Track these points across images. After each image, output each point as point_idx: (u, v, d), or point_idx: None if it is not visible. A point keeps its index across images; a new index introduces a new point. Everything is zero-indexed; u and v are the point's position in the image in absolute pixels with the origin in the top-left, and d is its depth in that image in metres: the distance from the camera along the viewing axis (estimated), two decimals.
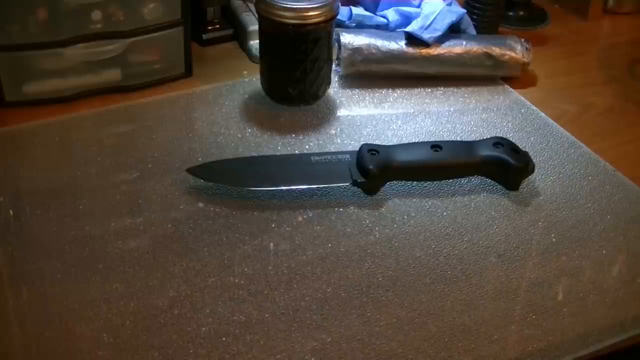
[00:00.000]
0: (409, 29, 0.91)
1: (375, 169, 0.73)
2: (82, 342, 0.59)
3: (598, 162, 0.81)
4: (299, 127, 0.85)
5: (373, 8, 0.99)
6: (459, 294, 0.65)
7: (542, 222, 0.73)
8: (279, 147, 0.81)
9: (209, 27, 0.99)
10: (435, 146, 0.76)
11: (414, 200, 0.75)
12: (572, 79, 0.97)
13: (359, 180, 0.74)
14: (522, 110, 0.89)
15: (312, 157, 0.77)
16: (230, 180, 0.75)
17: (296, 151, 0.81)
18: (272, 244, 0.69)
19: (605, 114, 0.91)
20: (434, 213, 0.73)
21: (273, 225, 0.71)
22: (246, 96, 0.90)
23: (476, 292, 0.65)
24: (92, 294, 0.63)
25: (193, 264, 0.66)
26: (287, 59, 0.84)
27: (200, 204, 0.73)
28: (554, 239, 0.71)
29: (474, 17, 0.99)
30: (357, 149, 0.76)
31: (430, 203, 0.75)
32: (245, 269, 0.66)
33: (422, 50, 0.91)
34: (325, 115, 0.87)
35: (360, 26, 0.97)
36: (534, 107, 0.90)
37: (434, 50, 0.91)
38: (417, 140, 0.83)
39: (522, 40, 0.94)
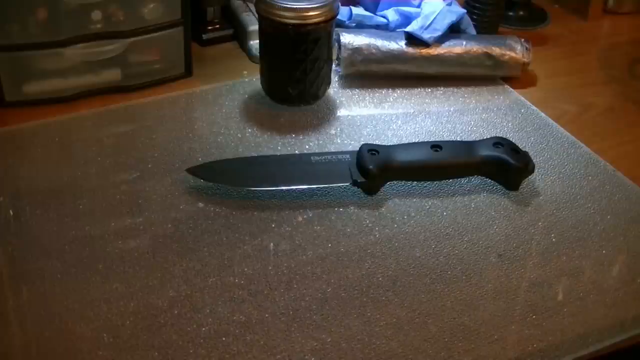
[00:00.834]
0: (409, 29, 0.91)
1: (375, 169, 0.73)
2: (82, 342, 0.59)
3: (598, 162, 0.81)
4: (299, 127, 0.85)
5: (373, 8, 0.99)
6: (459, 294, 0.65)
7: (542, 222, 0.73)
8: (279, 147, 0.81)
9: (209, 27, 0.99)
10: (435, 146, 0.76)
11: (414, 200, 0.75)
12: (572, 79, 0.97)
13: (359, 180, 0.74)
14: (522, 110, 0.89)
15: (312, 157, 0.77)
16: (230, 180, 0.75)
17: (296, 151, 0.81)
18: (272, 244, 0.69)
19: (605, 114, 0.91)
20: (434, 213, 0.73)
21: (273, 225, 0.71)
22: (246, 96, 0.90)
23: (476, 292, 0.65)
24: (92, 294, 0.63)
25: (193, 264, 0.66)
26: (287, 59, 0.84)
27: (200, 204, 0.73)
28: (554, 239, 0.71)
29: (474, 17, 0.99)
30: (357, 149, 0.76)
31: (430, 203, 0.75)
32: (245, 269, 0.66)
33: (422, 50, 0.91)
34: (325, 115, 0.87)
35: (360, 26, 0.97)
36: (534, 107, 0.90)
37: (434, 50, 0.91)
38: (417, 140, 0.83)
39: (522, 40, 0.94)
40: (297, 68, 0.84)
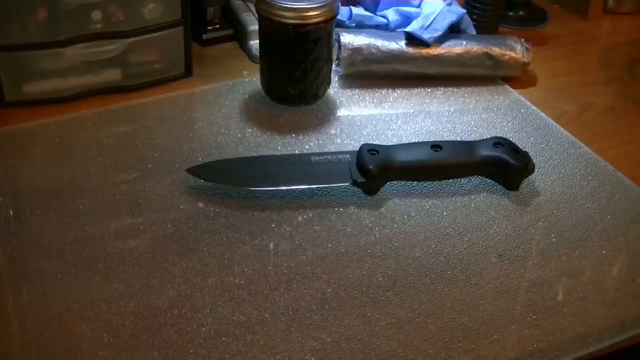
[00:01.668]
0: (409, 29, 0.91)
1: (375, 169, 0.73)
2: (82, 342, 0.59)
3: (598, 162, 0.81)
4: (299, 127, 0.85)
5: (373, 8, 0.99)
6: (459, 294, 0.65)
7: (542, 222, 0.73)
8: (279, 147, 0.81)
9: (209, 27, 0.99)
10: (435, 146, 0.76)
11: (414, 200, 0.75)
12: (572, 79, 0.97)
13: (359, 180, 0.74)
14: (522, 110, 0.89)
15: (312, 157, 0.77)
16: (230, 180, 0.75)
17: (296, 151, 0.81)
18: (272, 244, 0.69)
19: (605, 114, 0.91)
20: (434, 213, 0.73)
21: (273, 225, 0.71)
22: (246, 96, 0.90)
23: (476, 292, 0.65)
24: (92, 294, 0.63)
25: (193, 264, 0.66)
26: (287, 59, 0.84)
27: (200, 204, 0.73)
28: (554, 239, 0.71)
29: (474, 17, 0.99)
30: (357, 149, 0.76)
31: (430, 203, 0.75)
32: (245, 269, 0.66)
33: (422, 50, 0.91)
34: (325, 115, 0.87)
35: (360, 26, 0.97)
36: (534, 107, 0.90)
37: (434, 50, 0.91)
38: (417, 140, 0.83)
39: (522, 40, 0.94)
40: (297, 68, 0.84)
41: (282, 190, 0.74)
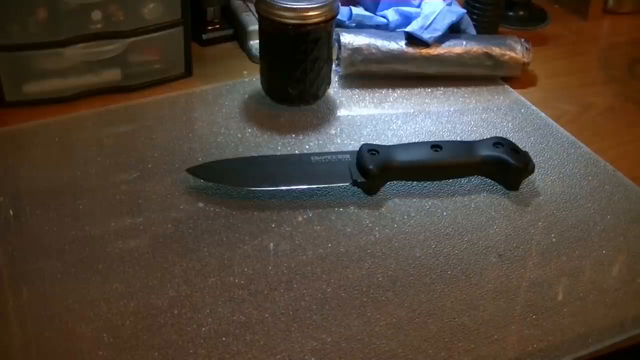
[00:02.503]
0: (409, 29, 0.91)
1: (375, 169, 0.73)
2: (82, 342, 0.59)
3: (598, 162, 0.81)
4: (299, 127, 0.85)
5: (373, 8, 0.99)
6: (459, 294, 0.65)
7: (542, 222, 0.73)
8: (279, 147, 0.81)
9: (209, 27, 0.99)
10: (435, 146, 0.76)
11: (414, 200, 0.75)
12: (572, 79, 0.97)
13: (359, 180, 0.74)
14: (522, 110, 0.89)
15: (312, 157, 0.77)
16: (230, 180, 0.75)
17: (296, 151, 0.81)
18: (272, 244, 0.69)
19: (605, 114, 0.91)
20: (434, 213, 0.73)
21: (273, 225, 0.71)
22: (246, 96, 0.90)
23: (476, 292, 0.65)
24: (92, 294, 0.63)
25: (193, 264, 0.66)
26: (287, 59, 0.84)
27: (200, 204, 0.73)
28: (554, 239, 0.71)
29: (474, 17, 0.99)
30: (357, 149, 0.76)
31: (430, 203, 0.75)
32: (245, 269, 0.66)
33: (422, 50, 0.91)
34: (325, 115, 0.87)
35: (360, 26, 0.97)
36: (534, 107, 0.90)
37: (434, 50, 0.91)
38: (417, 140, 0.83)
39: (522, 40, 0.94)
40: (297, 68, 0.84)
41: (282, 190, 0.74)
